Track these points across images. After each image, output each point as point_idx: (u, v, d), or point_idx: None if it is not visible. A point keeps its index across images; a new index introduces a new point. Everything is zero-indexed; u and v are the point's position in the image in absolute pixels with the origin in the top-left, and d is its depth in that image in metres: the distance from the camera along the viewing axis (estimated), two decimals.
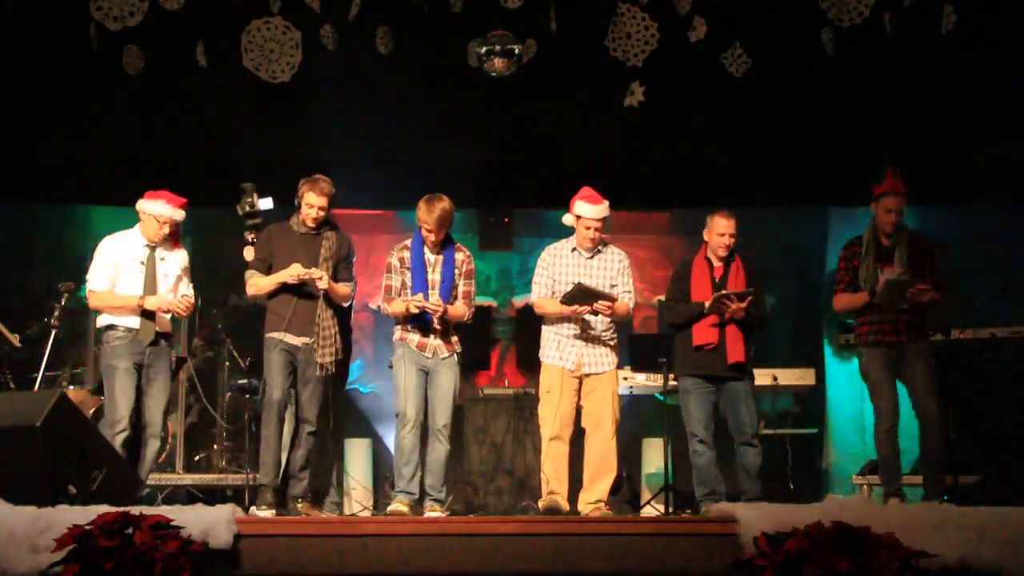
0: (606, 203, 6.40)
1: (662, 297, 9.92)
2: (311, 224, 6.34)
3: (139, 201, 6.40)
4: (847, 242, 6.62)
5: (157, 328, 6.34)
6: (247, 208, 6.80)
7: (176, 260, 6.49)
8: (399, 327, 6.34)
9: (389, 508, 6.15)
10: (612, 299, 6.28)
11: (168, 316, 6.40)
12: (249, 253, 6.64)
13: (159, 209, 6.34)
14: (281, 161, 7.68)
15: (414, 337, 6.26)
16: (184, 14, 7.13)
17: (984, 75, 7.60)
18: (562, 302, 6.32)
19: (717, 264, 6.60)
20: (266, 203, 6.83)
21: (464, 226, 9.39)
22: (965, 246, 8.87)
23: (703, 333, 6.46)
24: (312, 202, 6.29)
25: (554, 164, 7.97)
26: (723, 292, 6.41)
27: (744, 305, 6.38)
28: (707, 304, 6.43)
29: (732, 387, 6.46)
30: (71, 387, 7.92)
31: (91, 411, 7.20)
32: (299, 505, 6.27)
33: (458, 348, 6.34)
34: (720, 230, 6.53)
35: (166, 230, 6.37)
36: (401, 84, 7.58)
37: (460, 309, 6.32)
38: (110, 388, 6.26)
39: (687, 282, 6.60)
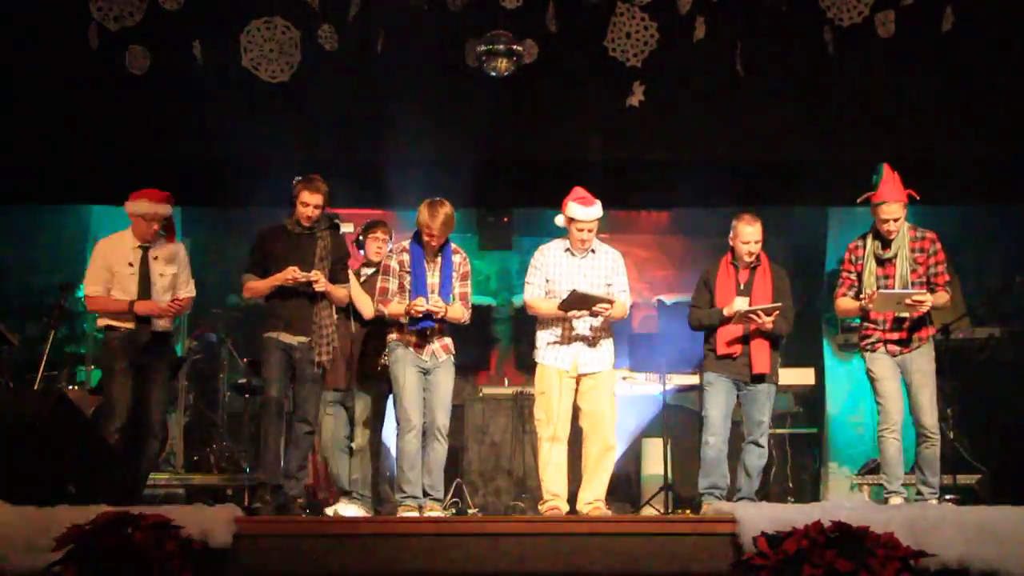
0: (598, 204, 6.37)
1: (662, 297, 9.96)
2: (306, 223, 6.35)
3: (125, 204, 6.39)
4: (851, 244, 6.49)
5: (155, 329, 6.35)
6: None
7: (171, 257, 6.48)
8: (395, 328, 6.34)
9: (399, 516, 6.14)
10: (609, 301, 6.27)
11: (163, 318, 6.40)
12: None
13: (141, 208, 6.32)
14: (280, 161, 7.68)
15: (411, 339, 6.27)
16: (184, 14, 7.13)
17: (984, 74, 7.60)
18: (559, 309, 6.30)
19: (742, 269, 6.53)
20: (346, 227, 7.06)
21: (464, 226, 9.39)
22: (965, 246, 8.88)
23: (727, 343, 6.42)
24: (307, 201, 6.31)
25: (554, 164, 7.97)
26: (750, 308, 6.35)
27: (771, 319, 6.35)
28: (726, 312, 6.40)
29: (755, 387, 6.47)
30: (71, 387, 7.92)
31: (91, 411, 7.20)
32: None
33: (453, 350, 6.34)
34: (744, 238, 6.44)
35: (155, 227, 6.36)
36: (400, 84, 7.58)
37: (459, 311, 6.32)
38: (107, 388, 6.30)
39: (712, 288, 6.55)
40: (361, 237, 7.01)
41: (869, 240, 6.36)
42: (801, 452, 8.53)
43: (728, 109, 7.73)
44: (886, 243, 6.30)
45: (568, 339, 6.36)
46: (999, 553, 4.97)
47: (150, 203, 6.33)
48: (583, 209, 6.33)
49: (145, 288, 6.34)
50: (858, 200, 6.36)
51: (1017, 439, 6.78)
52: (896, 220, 6.21)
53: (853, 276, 6.40)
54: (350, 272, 6.68)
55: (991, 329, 8.27)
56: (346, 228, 7.04)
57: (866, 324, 6.39)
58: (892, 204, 6.19)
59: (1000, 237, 8.85)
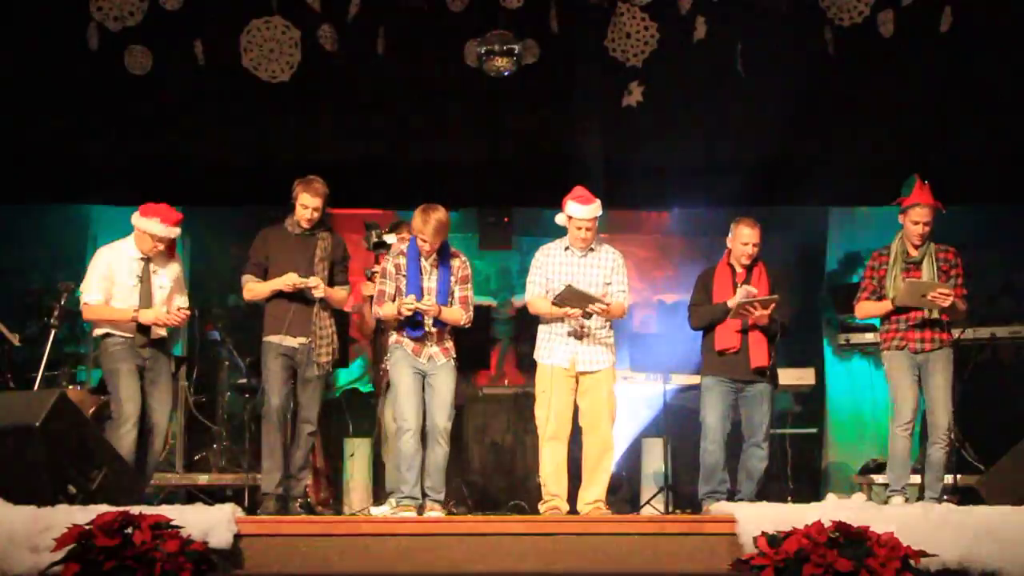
0: (598, 203, 6.37)
1: (662, 298, 9.96)
2: (306, 225, 6.35)
3: (134, 215, 6.35)
4: (875, 252, 6.60)
5: (152, 338, 6.35)
6: (374, 239, 7.00)
7: (170, 272, 6.46)
8: (395, 331, 6.34)
9: (395, 516, 6.14)
10: (604, 303, 6.26)
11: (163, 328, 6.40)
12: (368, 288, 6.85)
13: (153, 228, 6.27)
14: (280, 161, 7.68)
15: (410, 342, 6.26)
16: (184, 14, 7.14)
17: (984, 74, 7.60)
18: (553, 303, 6.30)
19: (740, 270, 6.61)
20: (391, 238, 7.01)
21: (464, 226, 9.39)
22: (965, 246, 8.87)
23: (726, 338, 6.48)
24: (306, 203, 6.30)
25: (554, 164, 7.97)
26: (746, 300, 6.39)
27: (767, 312, 6.39)
28: (731, 304, 6.44)
29: (754, 388, 6.51)
30: (71, 387, 7.91)
31: (91, 411, 7.20)
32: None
33: (454, 354, 6.33)
34: (744, 239, 6.54)
35: (160, 247, 6.35)
36: (401, 83, 7.58)
37: (456, 313, 6.29)
38: (115, 389, 6.27)
39: (710, 288, 6.62)
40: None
41: (895, 245, 6.47)
42: (801, 452, 8.51)
43: (728, 109, 7.74)
44: (913, 248, 6.42)
45: (567, 336, 6.36)
46: (1000, 554, 4.97)
47: (162, 226, 6.26)
48: (581, 207, 6.33)
49: (147, 300, 6.33)
50: (892, 202, 6.46)
51: (1017, 439, 6.76)
52: (927, 224, 6.35)
53: (875, 282, 6.51)
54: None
55: (991, 329, 8.27)
56: (389, 239, 7.03)
57: (887, 326, 6.44)
58: (924, 207, 6.35)
59: (1000, 237, 8.84)
